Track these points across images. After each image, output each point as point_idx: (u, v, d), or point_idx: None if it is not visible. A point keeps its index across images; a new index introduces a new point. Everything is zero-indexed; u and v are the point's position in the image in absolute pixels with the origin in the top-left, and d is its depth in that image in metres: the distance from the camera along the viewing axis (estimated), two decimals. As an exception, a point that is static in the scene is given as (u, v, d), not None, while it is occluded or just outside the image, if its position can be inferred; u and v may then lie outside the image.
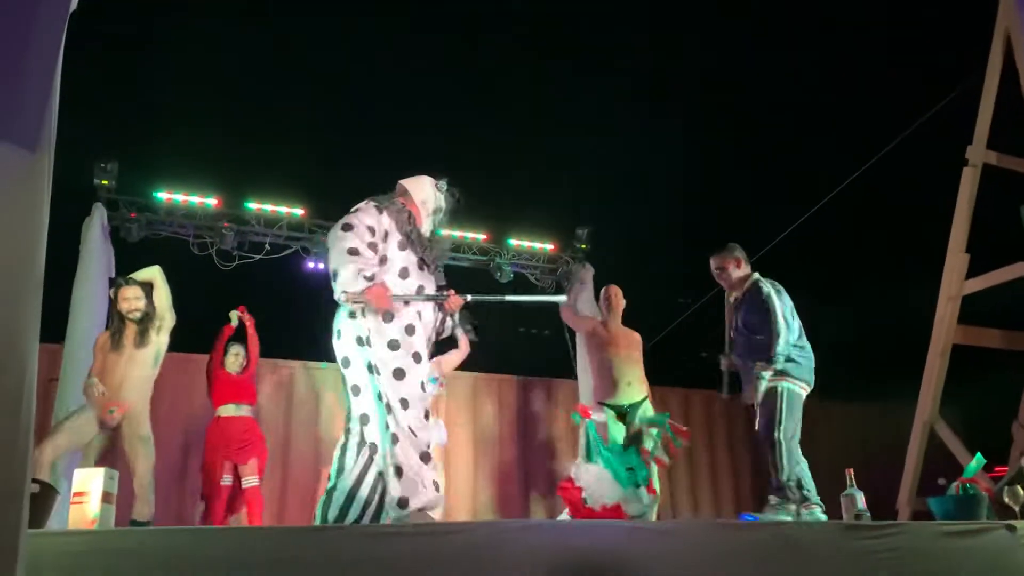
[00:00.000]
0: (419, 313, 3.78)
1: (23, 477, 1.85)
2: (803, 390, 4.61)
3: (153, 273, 5.02)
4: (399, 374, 3.62)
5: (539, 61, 10.66)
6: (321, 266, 7.45)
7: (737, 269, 4.86)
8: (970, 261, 7.11)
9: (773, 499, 4.45)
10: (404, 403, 3.59)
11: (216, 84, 9.51)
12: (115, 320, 4.93)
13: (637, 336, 6.34)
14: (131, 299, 4.88)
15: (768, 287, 4.69)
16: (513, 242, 8.19)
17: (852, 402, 9.05)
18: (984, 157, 7.07)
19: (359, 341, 3.68)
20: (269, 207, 7.32)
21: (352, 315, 3.70)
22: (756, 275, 4.85)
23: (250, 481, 5.93)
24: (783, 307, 4.62)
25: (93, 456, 4.76)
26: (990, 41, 6.97)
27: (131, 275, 5.03)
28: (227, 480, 5.89)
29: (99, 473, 3.09)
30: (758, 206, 9.90)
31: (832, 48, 10.19)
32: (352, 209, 3.82)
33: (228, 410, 6.01)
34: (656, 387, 8.87)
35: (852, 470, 4.10)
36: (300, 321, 9.25)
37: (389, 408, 3.60)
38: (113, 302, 4.97)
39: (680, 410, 8.93)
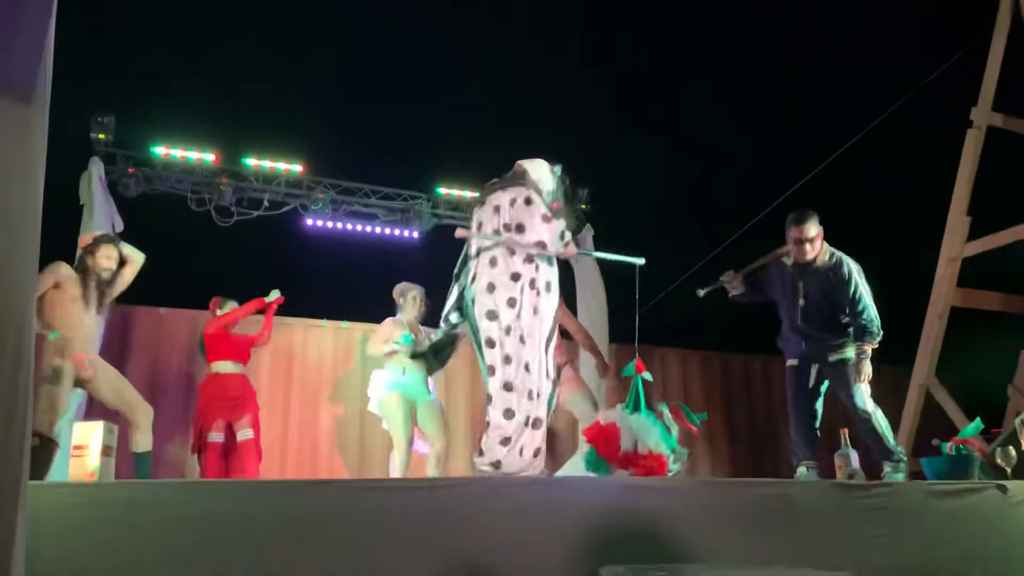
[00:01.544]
0: None
1: (23, 430, 1.87)
2: None
3: (139, 256, 5.01)
4: None
5: (538, 27, 10.53)
6: (320, 223, 7.42)
7: (819, 241, 4.83)
8: (971, 223, 7.09)
9: (888, 465, 4.50)
10: None
11: (214, 38, 9.38)
12: (80, 270, 4.79)
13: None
14: (113, 257, 4.85)
15: (852, 264, 4.74)
16: (513, 200, 8.15)
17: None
18: (989, 119, 7.01)
19: None
20: (267, 163, 7.28)
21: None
22: (835, 251, 4.85)
23: (246, 434, 6.00)
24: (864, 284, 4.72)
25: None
26: (998, 2, 6.89)
27: (121, 243, 5.03)
28: (217, 437, 5.94)
29: (98, 426, 3.12)
30: (758, 169, 9.84)
31: (833, 7, 10.06)
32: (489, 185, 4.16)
33: (224, 367, 6.05)
34: (656, 347, 8.96)
35: (847, 430, 4.14)
36: (299, 278, 9.26)
37: None
38: (89, 251, 4.83)
39: (678, 371, 8.97)
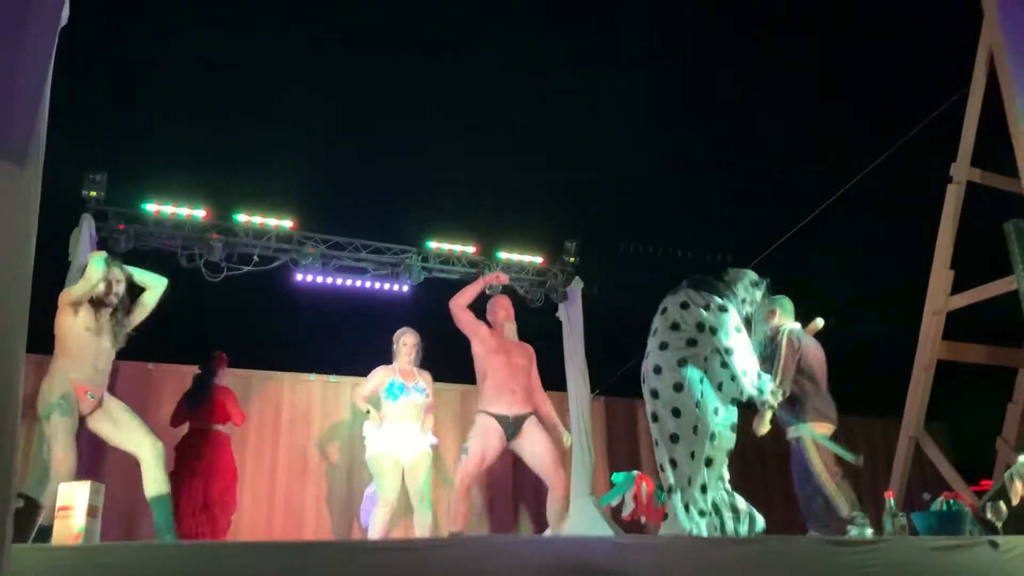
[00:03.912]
0: None
1: (7, 491, 1.85)
2: None
3: (161, 283, 4.89)
4: None
5: (529, 73, 10.70)
6: (310, 278, 7.43)
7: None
8: (955, 277, 7.17)
9: (853, 528, 4.54)
10: None
11: (205, 96, 9.51)
12: (93, 299, 4.58)
13: (530, 348, 6.05)
14: (121, 282, 4.67)
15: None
16: (502, 255, 8.20)
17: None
18: (968, 174, 7.15)
19: None
20: (258, 219, 7.31)
21: None
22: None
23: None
24: None
25: None
26: (974, 60, 7.06)
27: (132, 268, 4.87)
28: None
29: (84, 487, 3.08)
30: (743, 225, 9.95)
31: (816, 66, 10.28)
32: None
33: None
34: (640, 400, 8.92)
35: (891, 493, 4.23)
36: (289, 332, 9.25)
37: None
38: (100, 274, 4.58)
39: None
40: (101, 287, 4.58)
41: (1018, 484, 4.85)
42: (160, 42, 9.35)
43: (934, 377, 7.10)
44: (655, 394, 3.87)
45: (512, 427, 5.48)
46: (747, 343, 3.95)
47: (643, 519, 5.74)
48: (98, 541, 3.10)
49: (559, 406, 8.20)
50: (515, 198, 10.07)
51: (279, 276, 7.50)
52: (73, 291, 4.55)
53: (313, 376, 7.81)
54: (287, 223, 7.41)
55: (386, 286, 7.81)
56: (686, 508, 3.71)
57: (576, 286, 8.19)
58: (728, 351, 3.85)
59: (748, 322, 4.11)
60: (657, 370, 3.89)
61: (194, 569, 2.49)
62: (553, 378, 8.38)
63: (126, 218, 6.80)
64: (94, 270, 4.52)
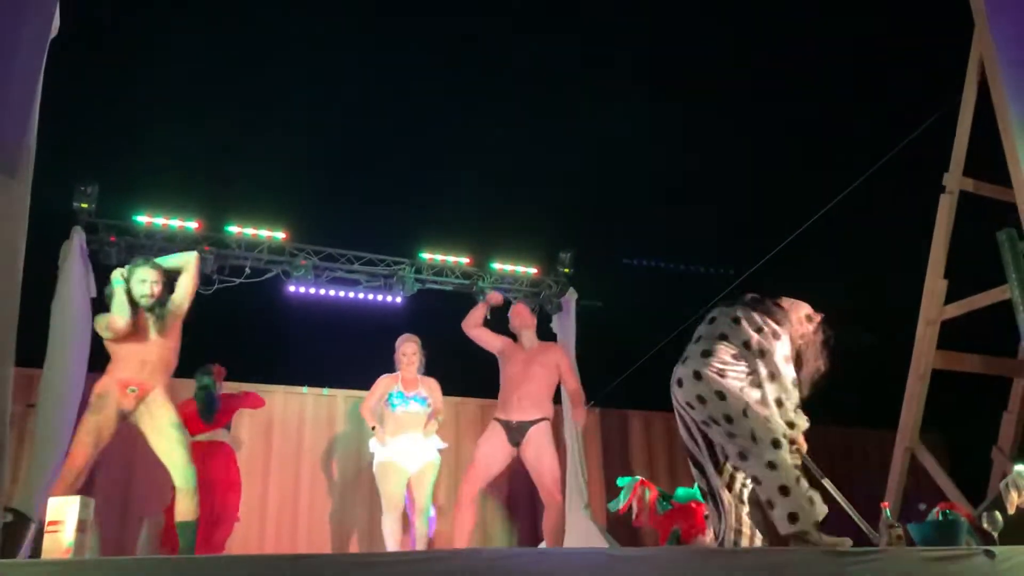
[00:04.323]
0: None
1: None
2: None
3: (189, 260, 4.83)
4: None
5: (523, 84, 10.73)
6: (302, 290, 7.40)
7: None
8: (948, 287, 7.18)
9: None
10: None
11: (197, 107, 9.50)
12: (126, 304, 4.52)
13: (554, 349, 6.16)
14: (148, 280, 4.55)
15: None
16: (496, 266, 8.19)
17: (831, 425, 9.08)
18: (961, 184, 7.16)
19: None
20: (250, 230, 7.29)
21: None
22: None
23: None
24: None
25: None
26: (965, 69, 7.08)
27: (159, 259, 4.78)
28: None
29: (74, 501, 3.04)
30: (737, 235, 9.97)
31: (808, 76, 10.32)
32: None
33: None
34: (643, 411, 8.93)
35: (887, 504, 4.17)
36: (281, 344, 9.22)
37: None
38: (126, 282, 4.57)
39: (662, 431, 8.92)
40: (137, 288, 4.53)
41: (1014, 494, 4.84)
42: (151, 53, 9.35)
43: (929, 387, 7.09)
44: (702, 399, 3.78)
45: (516, 432, 5.51)
46: (791, 377, 3.86)
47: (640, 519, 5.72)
48: (87, 556, 3.06)
49: (555, 418, 8.20)
50: (508, 209, 10.07)
51: (271, 288, 7.49)
52: (109, 320, 4.50)
53: (305, 389, 7.78)
54: (279, 234, 7.40)
55: (379, 297, 7.80)
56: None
57: (570, 296, 8.18)
58: (772, 375, 3.79)
59: (799, 356, 4.02)
60: (697, 376, 3.81)
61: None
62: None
63: (117, 230, 6.78)
64: (114, 290, 4.51)
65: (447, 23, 10.16)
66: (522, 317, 6.06)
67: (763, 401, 3.72)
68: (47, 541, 2.99)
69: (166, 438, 4.43)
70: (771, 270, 7.34)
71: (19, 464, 5.78)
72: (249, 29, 9.81)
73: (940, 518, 4.07)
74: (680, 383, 3.85)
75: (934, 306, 7.15)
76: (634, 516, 5.91)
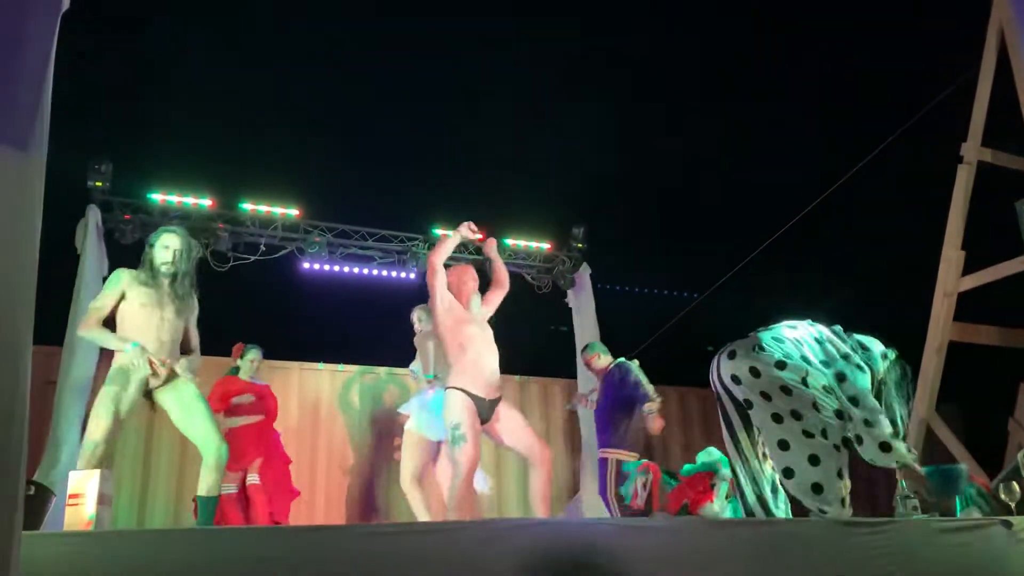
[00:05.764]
0: None
1: (17, 479, 1.85)
2: None
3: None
4: None
5: (535, 60, 10.66)
6: (316, 267, 7.43)
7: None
8: (966, 258, 7.12)
9: None
10: None
11: (211, 84, 9.50)
12: (146, 271, 4.31)
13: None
14: (171, 247, 4.33)
15: None
16: (509, 241, 8.18)
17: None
18: (979, 154, 7.08)
19: None
20: (264, 208, 7.31)
21: None
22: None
23: (252, 479, 6.04)
24: None
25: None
26: (984, 38, 6.98)
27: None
28: (229, 488, 5.93)
29: (95, 475, 3.09)
30: (751, 206, 9.91)
31: (825, 45, 10.20)
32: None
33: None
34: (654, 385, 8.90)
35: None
36: (296, 321, 9.27)
37: None
38: (149, 245, 4.37)
39: (676, 408, 8.93)
40: (160, 254, 4.33)
41: (1031, 465, 4.81)
42: (165, 32, 9.34)
43: (945, 359, 7.06)
44: (767, 396, 3.84)
45: (487, 412, 4.85)
46: (877, 411, 3.91)
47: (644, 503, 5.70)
48: (108, 528, 3.11)
49: (569, 393, 8.22)
50: (522, 184, 10.05)
51: (286, 265, 7.51)
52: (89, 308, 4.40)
53: (321, 365, 7.82)
54: (293, 212, 7.41)
55: (393, 274, 7.81)
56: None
57: (584, 272, 8.17)
58: (855, 399, 3.88)
59: (879, 395, 4.07)
60: (755, 372, 3.89)
61: (203, 555, 2.50)
62: (564, 365, 8.39)
63: (132, 208, 6.81)
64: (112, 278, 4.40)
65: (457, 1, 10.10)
66: (476, 280, 5.17)
67: None
68: (68, 514, 3.04)
69: (196, 413, 4.27)
70: (789, 240, 7.30)
71: (40, 441, 5.85)
72: (264, 8, 9.78)
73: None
74: (740, 379, 3.93)
75: (951, 278, 7.09)
76: (629, 499, 5.80)
